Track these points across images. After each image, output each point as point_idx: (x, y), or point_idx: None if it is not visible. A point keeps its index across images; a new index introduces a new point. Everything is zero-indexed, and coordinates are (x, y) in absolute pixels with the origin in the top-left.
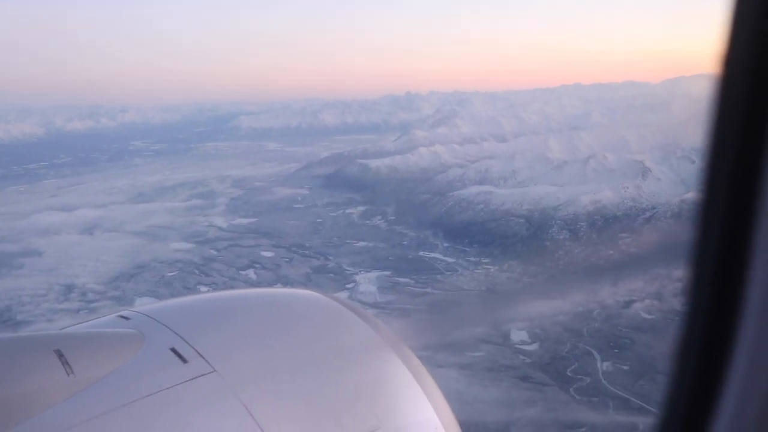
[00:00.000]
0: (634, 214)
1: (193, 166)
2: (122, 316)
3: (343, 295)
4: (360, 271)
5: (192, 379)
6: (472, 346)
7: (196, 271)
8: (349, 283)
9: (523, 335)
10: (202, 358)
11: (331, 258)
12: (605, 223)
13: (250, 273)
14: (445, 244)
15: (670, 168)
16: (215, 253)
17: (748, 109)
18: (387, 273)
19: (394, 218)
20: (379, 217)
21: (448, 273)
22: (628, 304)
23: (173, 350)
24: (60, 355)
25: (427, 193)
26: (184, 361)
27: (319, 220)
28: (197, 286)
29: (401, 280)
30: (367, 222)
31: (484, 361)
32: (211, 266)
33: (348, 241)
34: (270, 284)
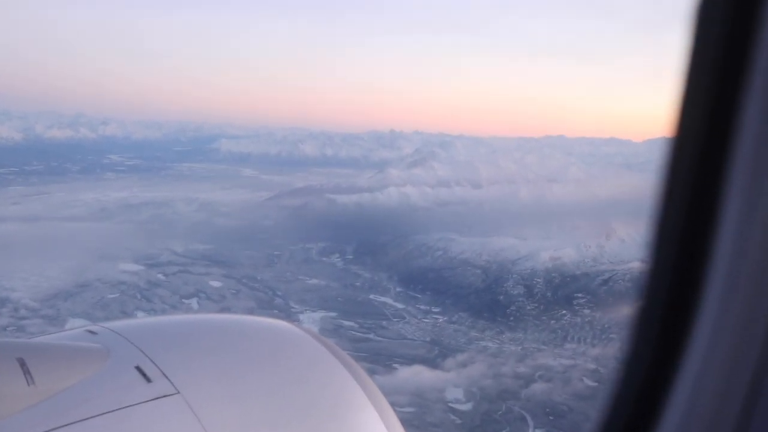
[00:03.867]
0: (592, 275)
1: (164, 185)
2: (90, 331)
3: None
4: (306, 310)
5: (154, 399)
6: (402, 401)
7: (138, 296)
8: (291, 322)
9: (458, 393)
10: (167, 378)
11: (279, 294)
12: (562, 281)
13: (193, 302)
14: (398, 289)
15: (636, 230)
16: (162, 277)
17: (699, 167)
18: (333, 314)
19: (352, 257)
20: (337, 255)
21: (396, 320)
22: (573, 368)
23: (138, 369)
24: (22, 363)
25: (389, 234)
26: (148, 380)
27: (276, 252)
28: (135, 312)
29: (346, 323)
30: (324, 259)
31: (412, 418)
32: (155, 291)
33: (301, 277)
34: None
